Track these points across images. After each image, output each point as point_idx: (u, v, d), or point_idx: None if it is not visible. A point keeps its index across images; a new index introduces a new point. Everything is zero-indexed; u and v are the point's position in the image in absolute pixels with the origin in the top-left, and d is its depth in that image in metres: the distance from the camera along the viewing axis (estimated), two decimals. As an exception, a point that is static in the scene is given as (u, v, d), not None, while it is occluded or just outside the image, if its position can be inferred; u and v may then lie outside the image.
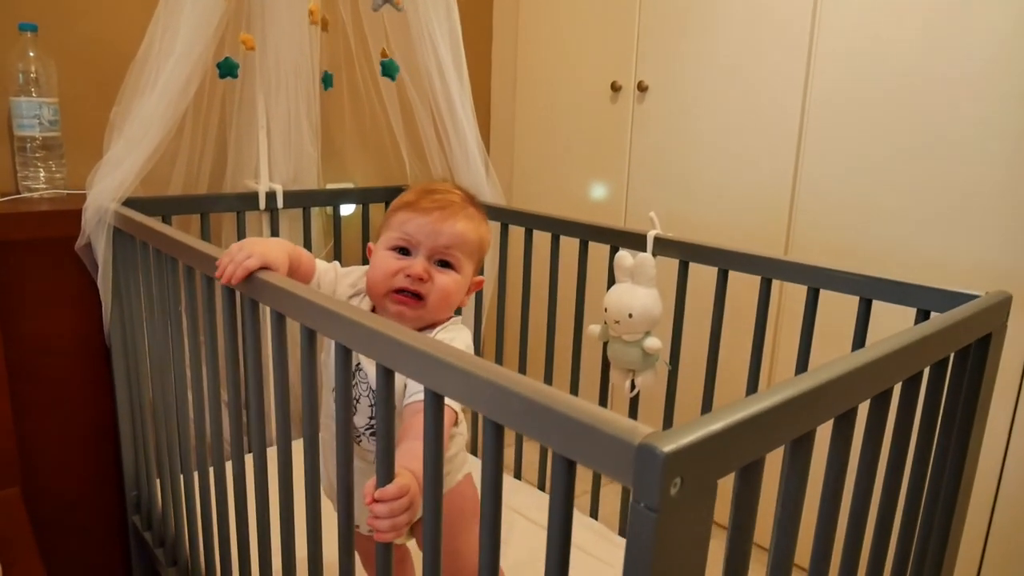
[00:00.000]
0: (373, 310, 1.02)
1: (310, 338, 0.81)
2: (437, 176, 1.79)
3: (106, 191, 1.34)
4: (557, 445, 0.52)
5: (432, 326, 1.01)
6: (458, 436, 1.08)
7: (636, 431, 0.46)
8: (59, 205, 1.43)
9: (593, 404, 0.50)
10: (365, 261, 1.73)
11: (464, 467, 1.10)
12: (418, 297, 0.96)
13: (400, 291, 0.96)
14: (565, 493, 0.54)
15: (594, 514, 1.55)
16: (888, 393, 0.72)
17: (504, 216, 1.63)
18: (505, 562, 1.12)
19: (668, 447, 0.45)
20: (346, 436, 0.79)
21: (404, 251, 0.97)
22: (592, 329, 1.40)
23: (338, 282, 1.07)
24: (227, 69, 1.52)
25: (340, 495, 0.80)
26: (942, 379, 0.87)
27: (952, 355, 0.87)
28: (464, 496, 1.08)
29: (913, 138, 1.49)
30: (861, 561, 0.79)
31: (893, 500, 0.83)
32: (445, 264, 0.97)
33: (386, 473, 0.73)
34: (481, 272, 1.08)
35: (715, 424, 0.49)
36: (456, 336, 0.99)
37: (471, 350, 1.02)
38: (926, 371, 0.82)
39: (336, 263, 1.10)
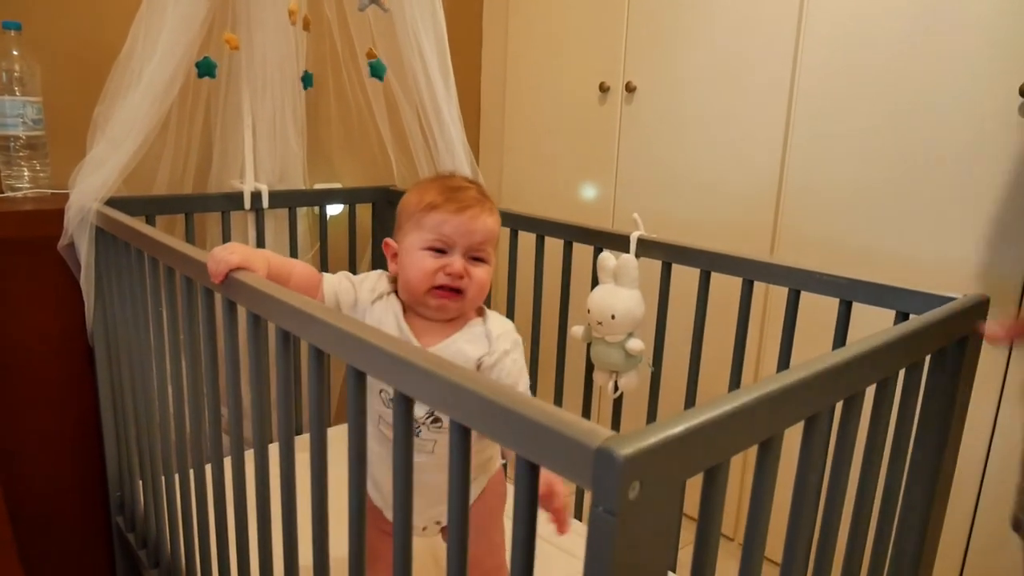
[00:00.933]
0: (404, 311, 1.04)
1: (284, 340, 0.81)
2: (424, 176, 1.78)
3: (89, 190, 1.34)
4: (519, 447, 0.52)
5: (468, 317, 1.06)
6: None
7: (595, 434, 0.46)
8: (43, 204, 1.42)
9: (553, 406, 0.50)
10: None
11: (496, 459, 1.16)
12: (458, 291, 1.02)
13: (440, 287, 1.01)
14: (529, 495, 0.54)
15: (578, 515, 1.54)
16: (860, 395, 0.72)
17: (490, 217, 1.63)
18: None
19: (626, 451, 0.44)
20: (320, 432, 0.79)
21: (439, 250, 1.02)
22: (575, 330, 1.39)
23: (357, 290, 1.08)
24: (205, 69, 1.51)
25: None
26: (917, 381, 0.87)
27: (928, 358, 0.87)
28: (494, 491, 1.13)
29: (900, 140, 1.49)
30: (835, 563, 0.79)
31: (868, 502, 0.83)
32: (478, 259, 1.04)
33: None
34: None
35: (675, 428, 0.48)
36: (505, 330, 1.06)
37: (519, 344, 1.07)
38: (900, 373, 0.82)
39: (347, 272, 1.11)
